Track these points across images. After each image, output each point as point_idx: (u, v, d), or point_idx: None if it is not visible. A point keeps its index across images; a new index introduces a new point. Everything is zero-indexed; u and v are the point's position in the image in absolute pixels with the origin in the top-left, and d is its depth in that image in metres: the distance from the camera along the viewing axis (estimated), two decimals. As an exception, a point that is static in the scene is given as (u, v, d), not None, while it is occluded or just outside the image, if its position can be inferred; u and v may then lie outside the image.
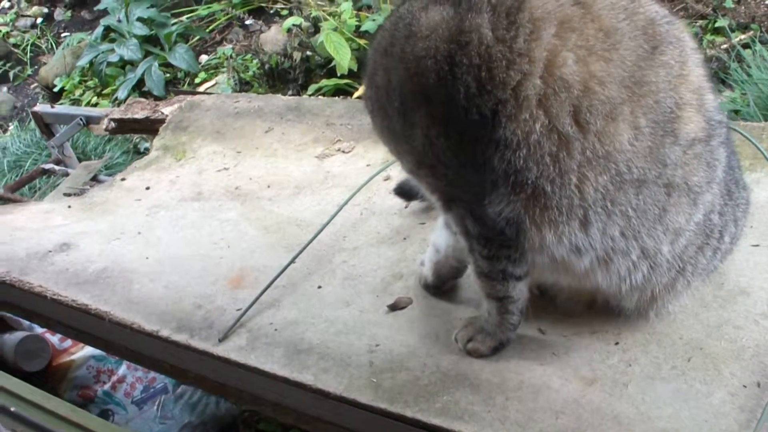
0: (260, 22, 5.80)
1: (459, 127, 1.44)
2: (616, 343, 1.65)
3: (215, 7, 6.06)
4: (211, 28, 6.03)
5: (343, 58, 3.86)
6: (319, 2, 4.94)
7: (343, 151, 2.80)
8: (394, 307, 1.92)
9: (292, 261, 2.17)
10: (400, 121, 1.53)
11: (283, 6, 5.75)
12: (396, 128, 1.57)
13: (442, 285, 1.93)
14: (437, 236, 1.88)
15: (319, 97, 3.40)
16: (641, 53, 1.41)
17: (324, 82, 4.31)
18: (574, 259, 1.51)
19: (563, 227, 1.46)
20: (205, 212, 2.65)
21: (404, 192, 2.28)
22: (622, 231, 1.47)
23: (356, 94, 3.74)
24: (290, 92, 4.62)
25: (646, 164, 1.42)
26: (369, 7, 4.81)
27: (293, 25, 4.77)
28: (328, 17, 4.37)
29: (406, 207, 2.36)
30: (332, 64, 4.18)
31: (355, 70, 3.99)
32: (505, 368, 1.64)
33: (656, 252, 1.52)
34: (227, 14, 6.00)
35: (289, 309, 2.01)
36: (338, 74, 4.03)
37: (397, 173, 2.51)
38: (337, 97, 3.57)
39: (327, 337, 1.86)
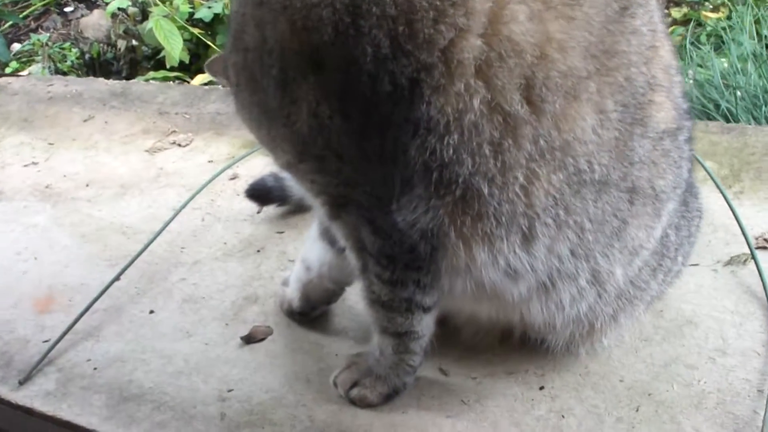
0: (81, 5, 5.23)
1: (362, 102, 1.11)
2: (541, 388, 1.36)
3: (30, -9, 5.43)
4: (25, 13, 5.39)
5: (174, 48, 3.47)
6: (148, -15, 4.50)
7: (179, 145, 2.41)
8: (249, 339, 1.57)
9: (117, 278, 1.79)
10: (278, 94, 1.18)
11: (107, -12, 5.21)
12: (271, 105, 1.20)
13: (311, 311, 1.59)
14: (309, 250, 1.54)
15: (151, 81, 2.97)
16: (610, 14, 1.11)
17: (151, 74, 3.92)
18: (507, 284, 1.21)
19: (500, 243, 1.15)
20: (7, 215, 2.20)
21: (259, 194, 1.94)
22: (572, 249, 1.18)
23: (203, 78, 3.34)
24: (114, 84, 4.18)
25: (611, 161, 1.13)
26: (201, -6, 4.43)
27: (119, 9, 4.32)
28: (158, 2, 3.94)
29: (258, 212, 2.02)
30: (161, 54, 3.80)
31: (187, 62, 3.64)
32: (402, 422, 1.32)
33: (609, 276, 1.24)
34: (44, 1, 5.37)
35: (112, 341, 1.64)
36: (168, 66, 3.65)
37: (246, 171, 2.17)
38: (171, 83, 3.13)
39: (163, 379, 1.50)
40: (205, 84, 3.10)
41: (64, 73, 4.52)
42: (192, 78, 3.55)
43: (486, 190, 1.10)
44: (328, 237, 1.43)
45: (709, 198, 1.80)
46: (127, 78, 4.11)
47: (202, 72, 3.45)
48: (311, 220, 1.91)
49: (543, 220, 1.13)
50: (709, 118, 2.60)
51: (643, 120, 1.16)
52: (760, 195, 1.85)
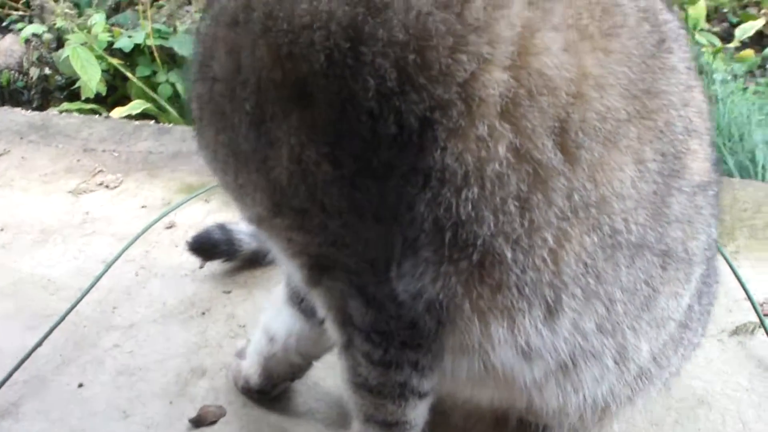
0: (-6, 29, 4.91)
1: (359, 146, 0.92)
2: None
3: (-65, 12, 5.04)
4: (-68, 38, 5.01)
5: (92, 79, 3.21)
6: (66, 10, 4.21)
7: (108, 186, 2.18)
8: (198, 422, 1.37)
9: (39, 344, 1.56)
10: (252, 134, 0.98)
11: (24, 13, 4.87)
12: (242, 147, 1.00)
13: (271, 389, 1.39)
14: (273, 318, 1.34)
15: (74, 114, 2.71)
16: (648, 47, 0.96)
17: (65, 105, 3.62)
18: (521, 366, 1.03)
19: (521, 318, 0.96)
20: None
21: (203, 248, 1.73)
22: (599, 323, 1.01)
23: (122, 112, 3.09)
24: (25, 117, 3.89)
25: (647, 220, 0.97)
26: (120, 26, 4.18)
27: (33, 35, 4.00)
28: (76, 29, 3.67)
29: (201, 267, 1.80)
30: (76, 85, 3.52)
31: (104, 93, 3.36)
32: None
33: (634, 352, 1.07)
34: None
35: (34, 419, 1.41)
36: (83, 97, 3.38)
37: (184, 219, 1.96)
38: (97, 116, 2.89)
39: (96, 472, 1.27)
40: (125, 118, 2.87)
41: (-31, 103, 4.22)
42: (109, 111, 3.30)
43: (509, 255, 0.92)
44: (298, 303, 1.25)
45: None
46: (39, 109, 3.84)
47: (120, 104, 3.22)
48: (265, 278, 1.74)
49: (571, 291, 0.96)
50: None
51: (681, 171, 1.00)
52: (757, 255, 1.76)
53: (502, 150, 0.88)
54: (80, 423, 1.39)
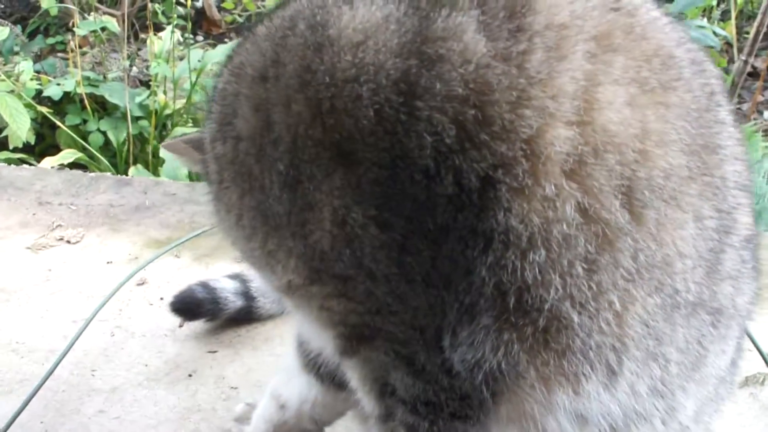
0: None
1: (412, 207, 0.87)
2: None
3: None
4: None
5: (21, 128, 3.09)
6: (-9, 59, 4.09)
7: (69, 242, 2.09)
8: (204, 492, 1.30)
9: (19, 412, 1.48)
10: (287, 195, 0.92)
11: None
12: (274, 209, 0.94)
13: (280, 458, 1.34)
14: (285, 385, 1.29)
15: (24, 166, 2.61)
16: (703, 101, 0.94)
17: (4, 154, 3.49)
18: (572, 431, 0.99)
19: (585, 382, 0.93)
20: None
21: (187, 308, 1.67)
22: (652, 385, 0.97)
23: (52, 162, 2.97)
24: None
25: (704, 278, 0.94)
26: (48, 73, 4.06)
27: (-45, 84, 3.85)
28: (2, 77, 3.55)
29: (180, 326, 1.74)
30: (3, 134, 3.39)
31: (33, 143, 3.26)
32: None
33: (681, 412, 1.04)
34: None
35: None
36: (11, 146, 3.27)
37: (155, 275, 1.91)
38: (51, 167, 2.79)
39: None
40: (55, 167, 2.77)
41: None
42: (38, 161, 3.18)
43: (576, 319, 0.88)
44: (316, 370, 1.21)
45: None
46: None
47: (49, 154, 3.12)
48: (250, 337, 1.71)
49: (632, 353, 0.93)
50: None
51: (732, 227, 0.98)
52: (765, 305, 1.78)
53: (569, 210, 0.85)
54: (73, 497, 1.32)
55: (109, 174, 2.56)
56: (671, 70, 0.90)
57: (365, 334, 0.98)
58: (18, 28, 4.07)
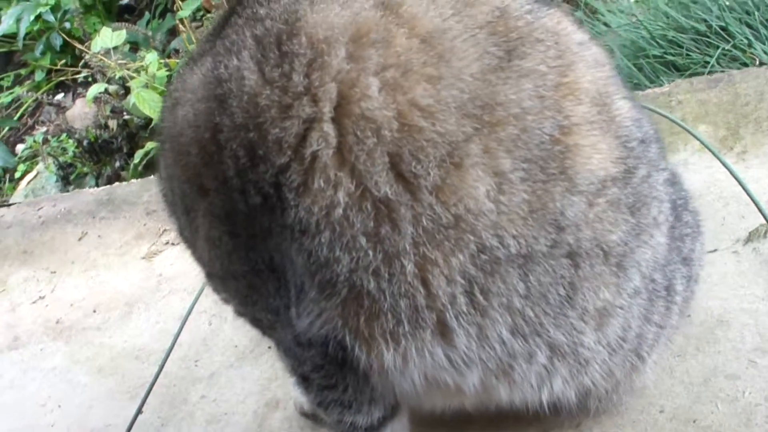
0: (64, 98, 5.21)
1: (243, 217, 1.06)
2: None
3: (18, 90, 5.39)
4: (20, 113, 5.38)
5: None
6: (120, 61, 4.43)
7: (173, 243, 2.34)
8: (278, 454, 1.50)
9: (138, 412, 1.73)
10: (187, 223, 1.18)
11: (86, 75, 5.16)
12: (186, 234, 1.23)
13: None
14: None
15: (132, 181, 2.91)
16: (489, 62, 0.99)
17: (150, 144, 3.84)
18: (454, 378, 1.11)
19: (409, 341, 1.04)
20: (26, 363, 2.13)
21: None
22: (512, 330, 1.06)
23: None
24: (117, 163, 4.17)
25: (528, 230, 1.00)
26: (177, 52, 4.35)
27: (99, 93, 4.25)
28: (134, 74, 3.87)
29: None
30: (154, 122, 3.72)
31: None
32: None
33: (576, 345, 1.11)
34: (34, 97, 5.35)
35: None
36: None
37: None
38: (152, 176, 3.07)
39: None
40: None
41: (70, 164, 4.54)
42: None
43: (372, 286, 1.01)
44: None
45: (712, 168, 1.69)
46: (130, 152, 4.11)
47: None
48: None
49: (454, 311, 1.02)
50: (699, 33, 2.50)
51: (565, 172, 1.01)
52: (766, 150, 1.72)
53: (342, 195, 0.97)
54: (184, 479, 1.56)
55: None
56: (438, 46, 0.97)
57: (250, 322, 1.24)
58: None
